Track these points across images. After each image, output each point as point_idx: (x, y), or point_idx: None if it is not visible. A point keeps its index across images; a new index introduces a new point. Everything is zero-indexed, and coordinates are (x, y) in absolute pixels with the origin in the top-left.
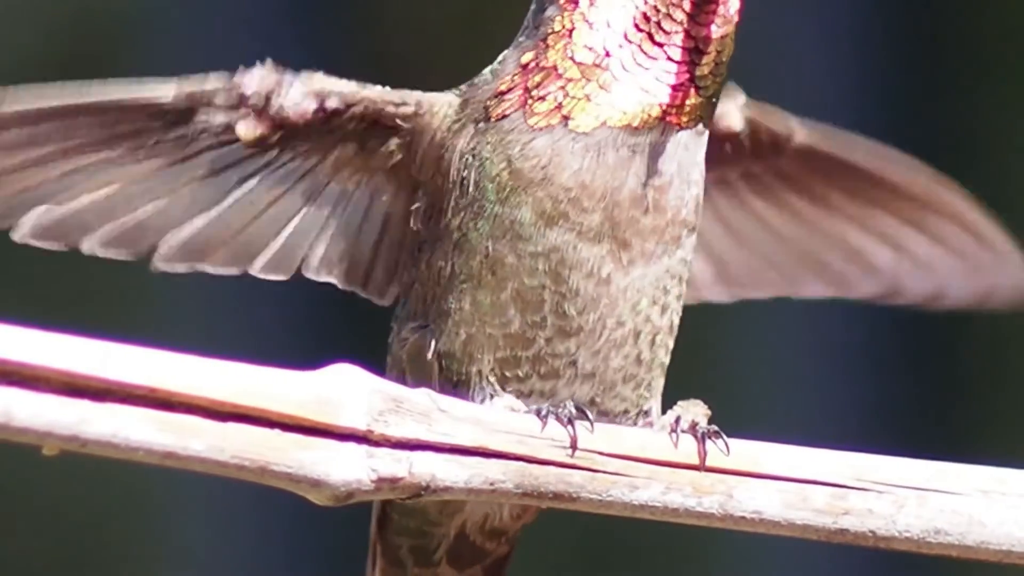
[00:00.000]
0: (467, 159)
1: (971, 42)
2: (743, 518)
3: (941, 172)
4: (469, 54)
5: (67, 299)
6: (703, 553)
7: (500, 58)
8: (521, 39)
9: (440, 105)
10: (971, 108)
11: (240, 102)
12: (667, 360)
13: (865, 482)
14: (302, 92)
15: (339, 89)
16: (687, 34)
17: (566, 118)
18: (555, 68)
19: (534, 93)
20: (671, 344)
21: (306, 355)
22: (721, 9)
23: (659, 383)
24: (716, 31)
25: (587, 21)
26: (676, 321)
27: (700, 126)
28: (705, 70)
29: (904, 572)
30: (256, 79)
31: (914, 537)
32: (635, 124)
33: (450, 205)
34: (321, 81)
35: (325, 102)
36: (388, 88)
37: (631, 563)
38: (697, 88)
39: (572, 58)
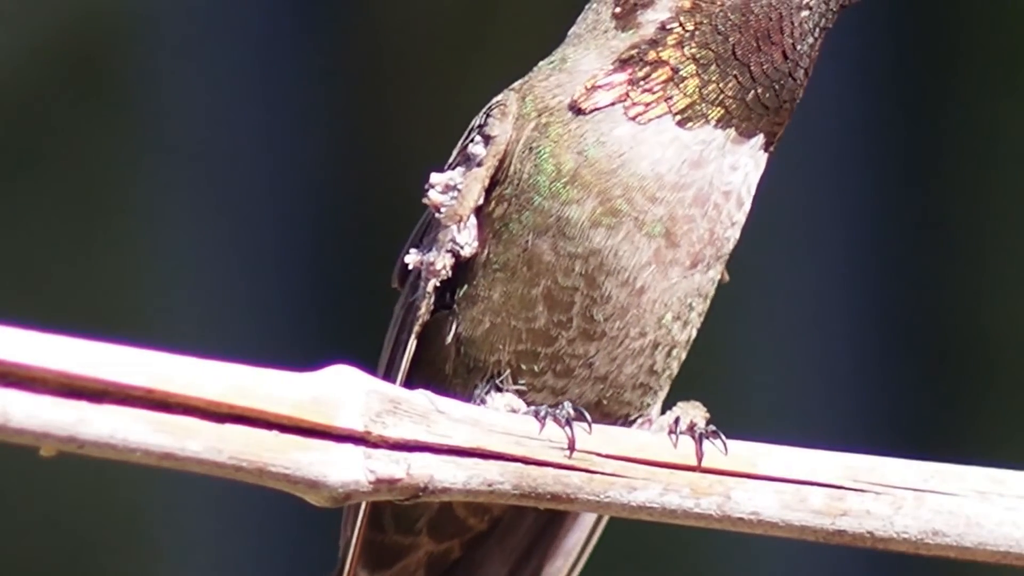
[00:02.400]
0: (524, 153)
1: (971, 41)
2: (741, 519)
3: (940, 172)
4: (469, 54)
5: (64, 300)
6: (700, 554)
7: (561, 55)
8: (597, 38)
9: (506, 119)
10: (971, 107)
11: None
12: (677, 371)
13: (863, 483)
14: (466, 235)
15: (472, 189)
16: (806, 56)
17: (671, 111)
18: (667, 63)
19: (641, 85)
20: (684, 357)
21: (304, 356)
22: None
23: (664, 391)
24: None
25: (714, 26)
26: (693, 335)
27: (770, 152)
28: (799, 95)
29: (901, 573)
30: (439, 264)
31: (912, 538)
32: (739, 131)
33: (495, 194)
34: (462, 203)
35: (475, 207)
36: (476, 146)
37: (630, 562)
38: (790, 113)
39: (693, 58)
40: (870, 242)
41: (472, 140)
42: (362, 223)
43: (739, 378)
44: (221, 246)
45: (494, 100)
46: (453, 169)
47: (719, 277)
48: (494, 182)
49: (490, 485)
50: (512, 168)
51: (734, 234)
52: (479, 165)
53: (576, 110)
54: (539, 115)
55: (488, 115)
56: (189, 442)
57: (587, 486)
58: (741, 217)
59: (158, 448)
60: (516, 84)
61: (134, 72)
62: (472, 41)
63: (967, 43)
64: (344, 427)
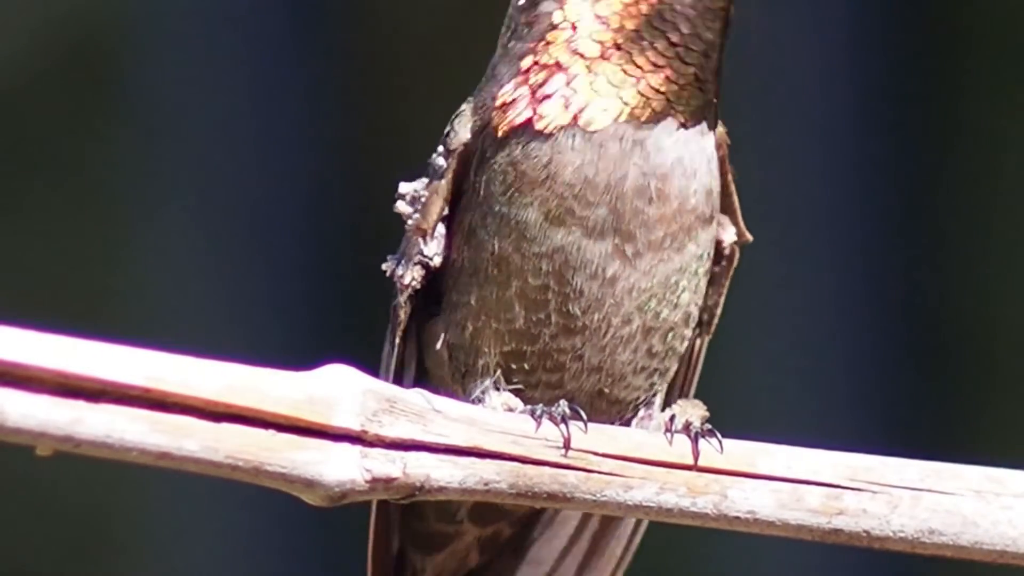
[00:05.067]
0: (480, 162)
1: (969, 40)
2: (737, 518)
3: (941, 171)
4: (468, 54)
5: (61, 299)
6: (698, 553)
7: (491, 64)
8: (511, 43)
9: (464, 130)
10: (973, 106)
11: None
12: (683, 347)
13: (859, 482)
14: (433, 246)
15: (434, 203)
16: (697, 36)
17: (576, 116)
18: (558, 64)
19: (539, 94)
20: (689, 333)
21: (300, 355)
22: (727, 16)
23: (673, 368)
24: (719, 38)
25: (594, 13)
26: (694, 312)
27: (704, 126)
28: (707, 74)
29: (898, 572)
30: (407, 277)
31: (908, 537)
32: (642, 119)
33: (462, 203)
34: (425, 218)
35: (440, 217)
36: (439, 158)
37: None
38: (700, 88)
39: (577, 52)
40: (869, 241)
41: (437, 152)
42: (360, 222)
43: (736, 377)
44: (219, 245)
45: (458, 110)
46: (419, 180)
47: (703, 252)
48: (461, 191)
49: (486, 484)
50: (473, 177)
51: (701, 200)
52: (440, 178)
53: (495, 134)
54: (484, 129)
55: (451, 126)
56: (186, 441)
57: (583, 485)
58: (704, 180)
59: (155, 447)
60: (473, 95)
61: (133, 70)
62: (472, 41)
63: (970, 41)
64: (340, 426)
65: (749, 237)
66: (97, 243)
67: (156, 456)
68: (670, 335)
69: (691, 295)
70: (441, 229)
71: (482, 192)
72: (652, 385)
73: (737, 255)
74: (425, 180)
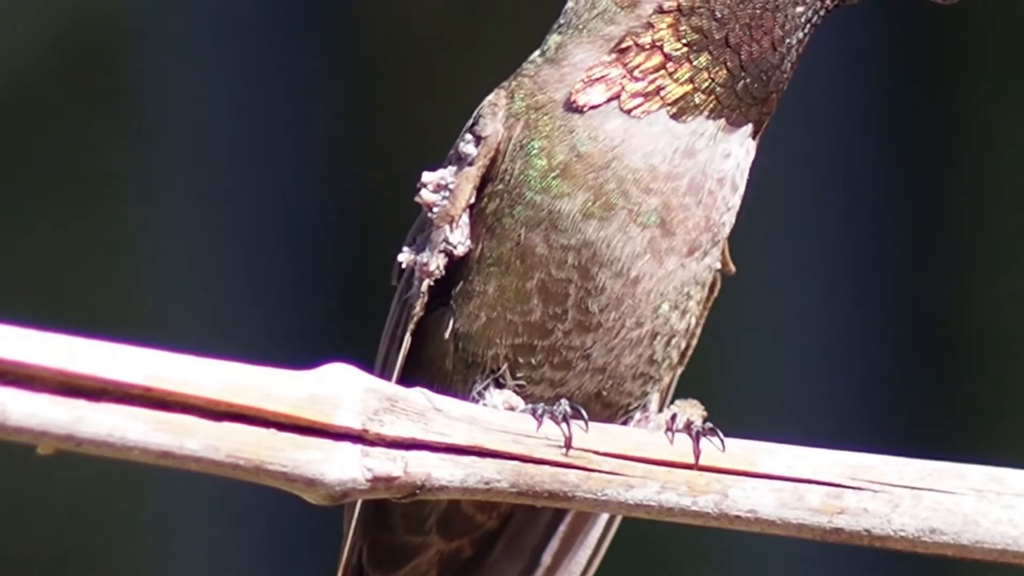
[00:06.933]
0: (515, 150)
1: (968, 40)
2: (738, 517)
3: (942, 172)
4: (467, 53)
5: (63, 299)
6: (699, 553)
7: (555, 42)
8: (596, 24)
9: (497, 117)
10: (977, 108)
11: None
12: (677, 359)
13: (860, 481)
14: (458, 234)
15: (464, 189)
16: (783, 56)
17: (667, 104)
18: (660, 48)
19: (635, 74)
20: (684, 345)
21: (302, 354)
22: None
23: (665, 380)
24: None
25: (711, 10)
26: (693, 323)
27: (757, 141)
28: (784, 87)
29: (899, 571)
30: (432, 265)
31: (909, 536)
32: (729, 121)
33: (487, 191)
34: (454, 204)
35: (467, 206)
36: (467, 145)
37: (628, 562)
38: (776, 104)
39: (687, 43)
40: (870, 241)
41: (464, 140)
42: (361, 221)
43: (737, 376)
44: (220, 244)
45: (486, 100)
46: (445, 168)
47: (715, 264)
48: (486, 179)
49: (487, 483)
50: (504, 165)
51: (730, 219)
52: (470, 165)
53: (572, 106)
54: (528, 111)
55: (479, 115)
56: (187, 440)
57: (584, 484)
58: (736, 201)
59: (156, 446)
60: (506, 81)
61: (134, 71)
62: (471, 40)
63: (968, 40)
64: (342, 425)
65: (732, 268)
66: (98, 242)
67: (157, 455)
68: (671, 343)
69: (696, 306)
70: (465, 218)
71: (513, 180)
72: (644, 394)
73: (719, 285)
74: (452, 168)
